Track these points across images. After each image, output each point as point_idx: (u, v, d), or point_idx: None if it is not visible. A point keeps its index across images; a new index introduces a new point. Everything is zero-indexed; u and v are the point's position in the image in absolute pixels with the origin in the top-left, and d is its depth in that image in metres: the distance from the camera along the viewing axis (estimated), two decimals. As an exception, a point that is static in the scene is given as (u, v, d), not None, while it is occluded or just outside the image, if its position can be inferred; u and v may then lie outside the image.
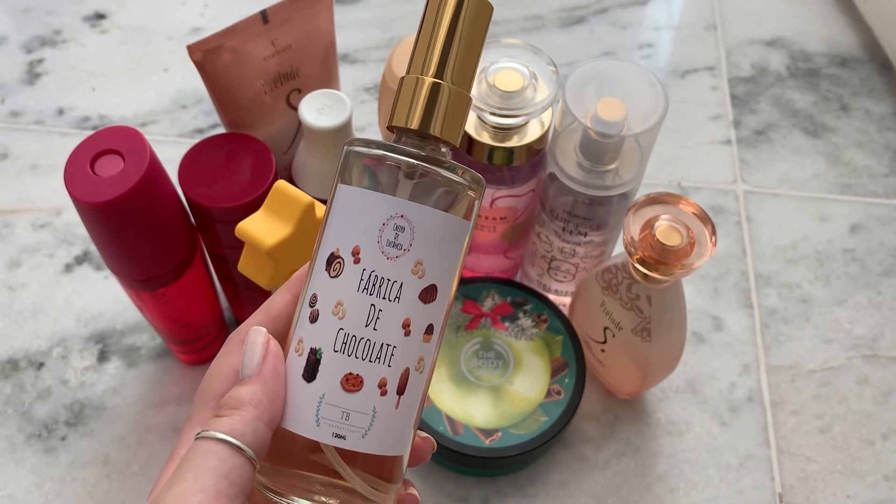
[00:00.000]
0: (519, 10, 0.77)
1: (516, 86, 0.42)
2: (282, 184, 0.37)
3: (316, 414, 0.26)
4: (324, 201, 0.41)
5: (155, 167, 0.40)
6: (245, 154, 0.44)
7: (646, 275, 0.42)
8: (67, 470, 0.50)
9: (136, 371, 0.54)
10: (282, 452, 0.27)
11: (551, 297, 0.54)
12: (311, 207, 0.37)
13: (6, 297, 0.57)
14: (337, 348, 0.26)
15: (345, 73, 0.69)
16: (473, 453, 0.46)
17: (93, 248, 0.59)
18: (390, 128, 0.28)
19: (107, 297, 0.57)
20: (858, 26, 0.76)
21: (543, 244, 0.50)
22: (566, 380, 0.49)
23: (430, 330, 0.27)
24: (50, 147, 0.65)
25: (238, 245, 0.39)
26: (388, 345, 0.27)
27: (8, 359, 0.54)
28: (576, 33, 0.75)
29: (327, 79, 0.49)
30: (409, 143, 0.28)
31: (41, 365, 0.54)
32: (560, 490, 0.50)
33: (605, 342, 0.50)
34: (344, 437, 0.26)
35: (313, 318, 0.27)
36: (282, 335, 0.28)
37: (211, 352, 0.54)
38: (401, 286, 0.26)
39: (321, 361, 0.26)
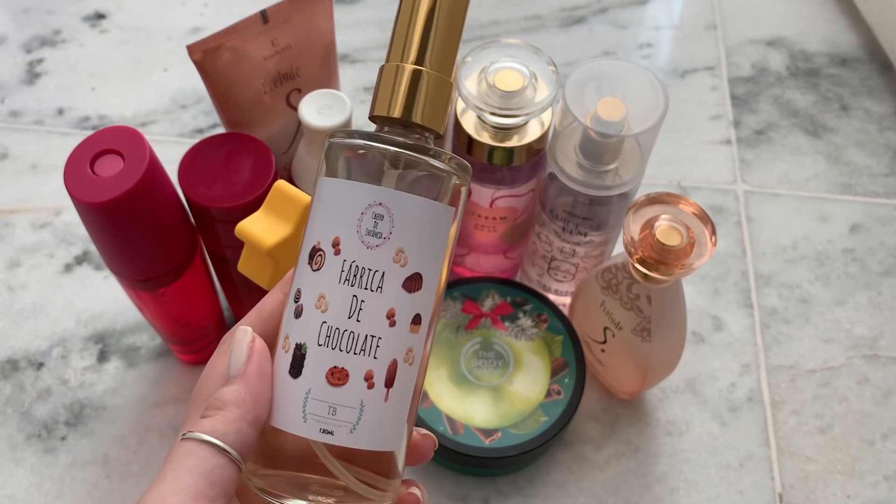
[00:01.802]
0: (519, 9, 0.77)
1: (516, 86, 0.42)
2: (282, 184, 0.37)
3: (303, 410, 0.26)
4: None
5: (155, 167, 0.40)
6: (245, 154, 0.44)
7: (646, 275, 0.42)
8: (67, 470, 0.50)
9: (136, 371, 0.54)
10: (274, 452, 0.27)
11: (551, 297, 0.54)
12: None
13: (6, 297, 0.57)
14: (321, 342, 0.26)
15: (344, 72, 0.69)
16: (473, 453, 0.46)
17: (92, 248, 0.59)
18: (372, 118, 0.28)
19: (106, 297, 0.57)
20: (858, 26, 0.76)
21: (543, 244, 0.50)
22: (566, 380, 0.49)
23: (417, 320, 0.27)
24: (50, 147, 0.65)
25: (238, 245, 0.39)
26: (373, 336, 0.26)
27: (8, 359, 0.54)
28: (576, 33, 0.75)
29: (327, 78, 0.49)
30: (393, 131, 0.27)
31: (41, 365, 0.54)
32: (560, 490, 0.50)
33: (605, 342, 0.50)
34: (332, 433, 0.26)
35: (298, 314, 0.27)
36: (274, 335, 0.28)
37: (211, 352, 0.54)
38: (382, 275, 0.26)
39: (306, 356, 0.26)
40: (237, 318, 0.55)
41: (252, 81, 0.46)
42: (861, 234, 0.62)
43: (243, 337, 0.27)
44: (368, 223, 0.26)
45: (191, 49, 0.43)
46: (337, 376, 0.26)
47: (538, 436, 0.47)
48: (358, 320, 0.26)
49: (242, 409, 0.25)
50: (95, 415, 0.52)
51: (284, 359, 0.27)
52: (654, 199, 0.42)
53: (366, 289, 0.26)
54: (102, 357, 0.54)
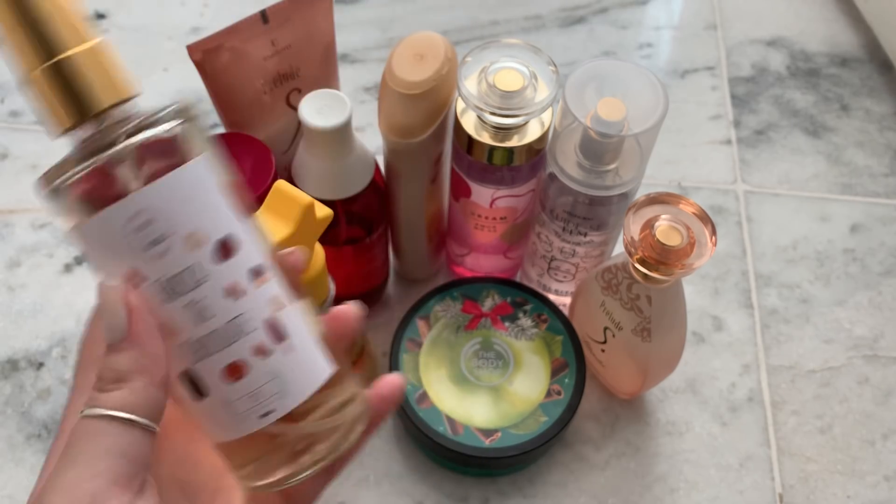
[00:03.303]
0: (519, 9, 0.77)
1: (516, 86, 0.42)
2: (282, 184, 0.37)
3: (236, 415, 0.26)
4: (324, 201, 0.41)
5: (154, 167, 0.40)
6: (245, 154, 0.44)
7: (646, 275, 0.42)
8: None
9: (136, 371, 0.54)
10: (241, 455, 0.27)
11: (551, 297, 0.54)
12: (311, 207, 0.37)
13: (6, 297, 0.57)
14: (198, 358, 0.25)
15: (344, 72, 0.69)
16: (473, 453, 0.46)
17: (93, 248, 0.59)
18: (68, 129, 0.25)
19: (107, 297, 0.57)
20: (859, 26, 0.76)
21: (543, 244, 0.50)
22: (566, 380, 0.49)
23: (257, 273, 0.26)
24: (50, 147, 0.65)
25: (238, 245, 0.39)
26: (233, 318, 0.25)
27: (7, 359, 0.54)
28: (576, 33, 0.75)
29: (327, 78, 0.49)
30: (90, 137, 0.24)
31: (41, 365, 0.54)
32: (560, 490, 0.50)
33: (605, 342, 0.50)
34: (274, 409, 0.26)
35: None
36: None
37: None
38: (193, 267, 0.24)
39: (197, 377, 0.26)
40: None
41: (252, 81, 0.46)
42: (861, 234, 0.62)
43: (110, 293, 0.24)
44: (143, 238, 0.24)
45: (191, 49, 0.43)
46: (235, 372, 0.25)
47: (538, 436, 0.47)
48: (210, 318, 0.25)
49: (148, 376, 0.24)
50: (95, 415, 0.52)
51: (183, 390, 0.26)
52: (655, 199, 0.42)
53: (191, 290, 0.25)
54: (102, 357, 0.54)
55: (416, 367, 0.49)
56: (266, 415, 0.26)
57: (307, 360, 0.27)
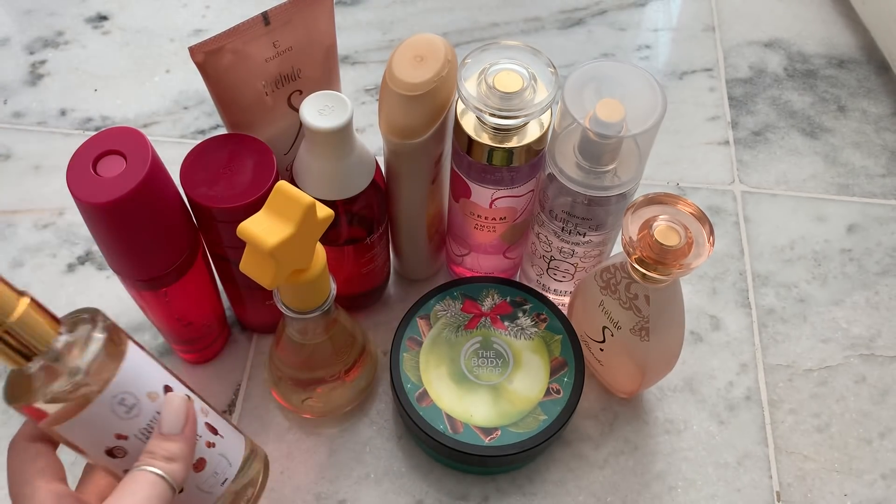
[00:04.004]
0: (518, 11, 0.77)
1: (515, 87, 0.42)
2: (283, 184, 0.37)
3: (205, 492, 0.38)
4: (325, 202, 0.41)
5: (157, 168, 0.40)
6: (246, 155, 0.45)
7: (644, 274, 0.43)
8: (69, 469, 0.50)
9: (138, 370, 0.54)
10: None
11: (550, 296, 0.55)
12: (312, 208, 0.37)
13: (9, 296, 0.57)
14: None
15: (346, 74, 0.69)
16: (473, 452, 0.47)
17: (95, 248, 0.59)
18: (24, 363, 0.32)
19: (109, 297, 0.57)
20: (856, 28, 0.77)
21: (542, 244, 0.51)
22: (565, 379, 0.50)
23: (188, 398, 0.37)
24: (52, 148, 0.66)
25: (240, 245, 0.39)
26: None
27: (11, 358, 0.54)
28: (575, 35, 0.75)
29: (328, 80, 0.50)
30: (45, 362, 0.32)
31: (44, 364, 0.54)
32: (559, 488, 0.50)
33: (603, 341, 0.50)
34: (227, 477, 0.39)
35: None
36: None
37: (213, 351, 0.54)
38: (158, 412, 0.35)
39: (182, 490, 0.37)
40: (239, 317, 0.56)
41: (253, 83, 0.46)
42: (858, 235, 0.63)
43: (179, 401, 0.35)
44: (121, 408, 0.34)
45: (193, 51, 0.43)
46: (200, 466, 0.37)
47: (537, 434, 0.47)
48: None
49: (188, 461, 0.35)
50: (98, 414, 0.52)
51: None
52: (653, 200, 0.43)
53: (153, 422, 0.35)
54: (105, 356, 0.54)
55: (417, 365, 0.50)
56: (224, 482, 0.39)
57: (233, 439, 0.40)
